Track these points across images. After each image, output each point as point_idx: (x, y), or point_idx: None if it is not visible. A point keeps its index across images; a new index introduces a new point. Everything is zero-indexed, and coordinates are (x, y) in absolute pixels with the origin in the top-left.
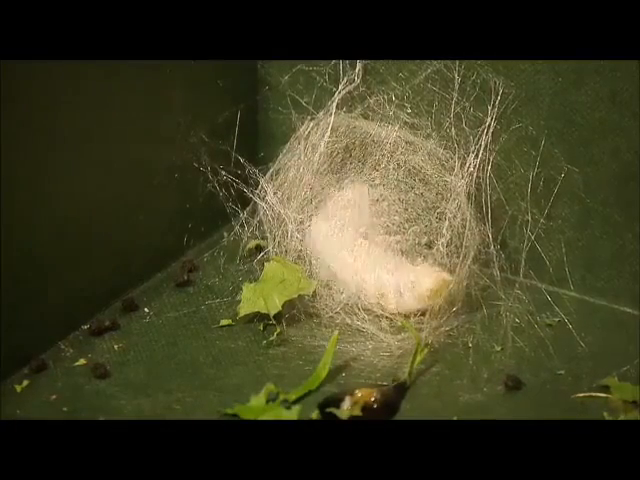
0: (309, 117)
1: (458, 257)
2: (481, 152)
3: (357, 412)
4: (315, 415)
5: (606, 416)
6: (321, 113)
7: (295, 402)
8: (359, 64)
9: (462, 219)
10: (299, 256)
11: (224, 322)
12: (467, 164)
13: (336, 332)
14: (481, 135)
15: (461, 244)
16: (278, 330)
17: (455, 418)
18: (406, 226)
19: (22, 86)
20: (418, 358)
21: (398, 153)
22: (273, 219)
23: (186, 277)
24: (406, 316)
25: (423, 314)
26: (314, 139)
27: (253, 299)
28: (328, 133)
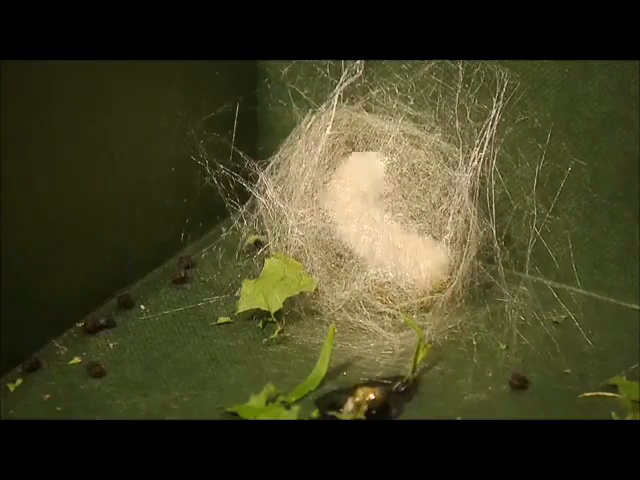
0: (310, 110)
1: (462, 253)
2: (486, 145)
3: (360, 415)
4: (315, 414)
5: (614, 416)
6: (322, 106)
7: (295, 402)
8: None
9: (466, 214)
10: (300, 251)
11: (222, 320)
12: (471, 158)
13: (331, 326)
14: (486, 128)
15: (465, 240)
16: (279, 328)
17: (459, 418)
18: (410, 223)
19: (21, 84)
20: (421, 355)
21: (401, 147)
22: (273, 214)
23: (183, 273)
24: (408, 311)
25: (427, 310)
26: (315, 133)
27: (253, 296)
28: (330, 126)
